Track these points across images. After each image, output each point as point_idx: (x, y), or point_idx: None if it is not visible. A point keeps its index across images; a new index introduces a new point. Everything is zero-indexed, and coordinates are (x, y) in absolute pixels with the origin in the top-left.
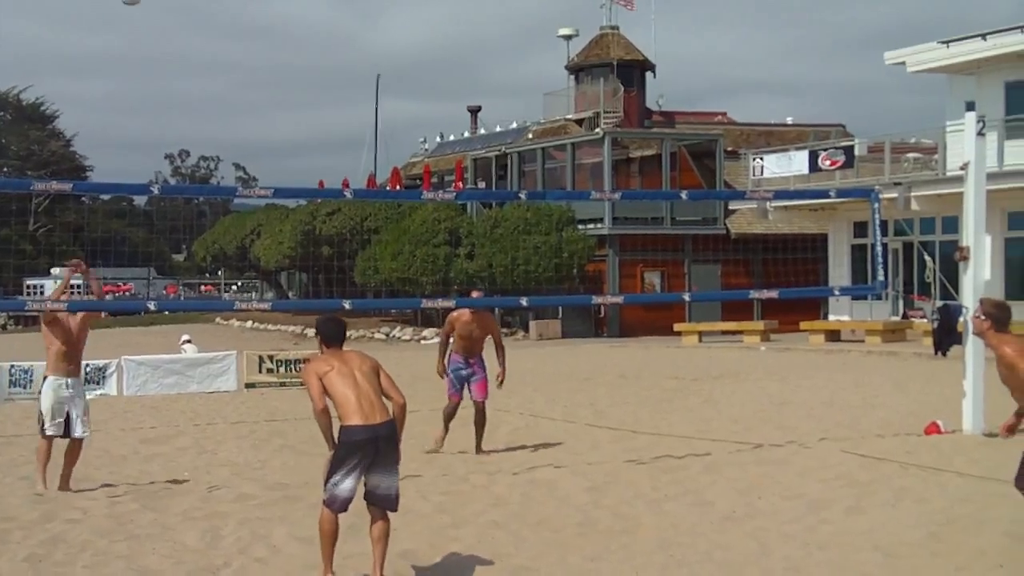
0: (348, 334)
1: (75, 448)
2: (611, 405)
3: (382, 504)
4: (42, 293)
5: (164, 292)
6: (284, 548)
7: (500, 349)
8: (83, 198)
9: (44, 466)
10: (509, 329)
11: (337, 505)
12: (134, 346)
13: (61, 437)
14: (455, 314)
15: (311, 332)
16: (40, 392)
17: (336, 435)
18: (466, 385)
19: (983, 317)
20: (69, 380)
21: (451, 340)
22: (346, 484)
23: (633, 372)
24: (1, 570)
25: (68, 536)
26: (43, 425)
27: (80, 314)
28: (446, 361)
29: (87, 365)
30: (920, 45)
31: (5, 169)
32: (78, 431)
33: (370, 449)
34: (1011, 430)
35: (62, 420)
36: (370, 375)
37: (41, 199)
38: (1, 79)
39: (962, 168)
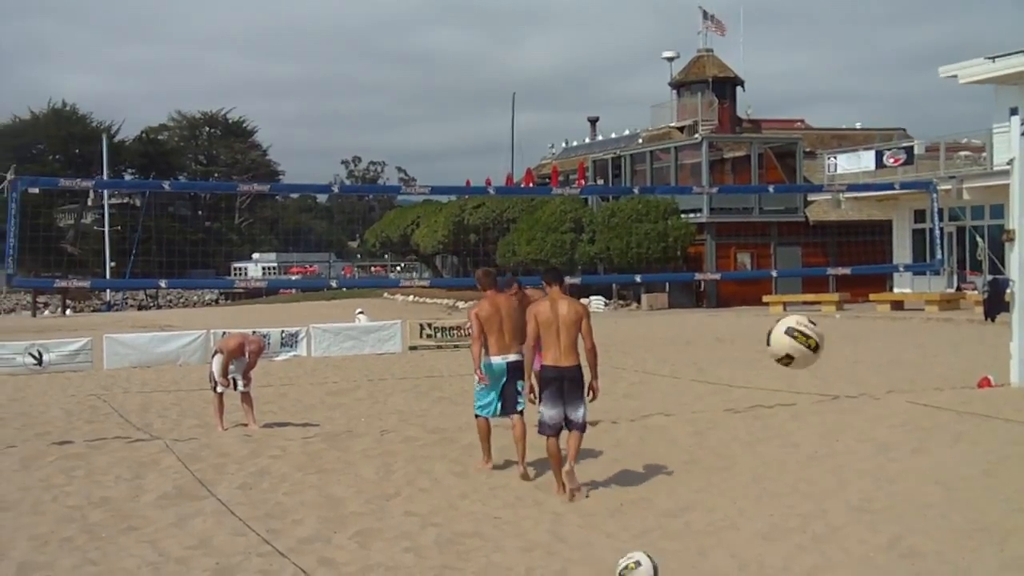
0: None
1: (246, 398)
2: (711, 364)
3: (574, 427)
4: (246, 275)
5: (342, 272)
6: (443, 480)
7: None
8: (277, 197)
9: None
10: (624, 300)
11: (545, 429)
12: (319, 316)
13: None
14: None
15: (462, 304)
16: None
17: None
18: None
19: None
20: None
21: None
22: (545, 411)
23: (728, 336)
24: (220, 495)
25: (271, 469)
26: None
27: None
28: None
29: (282, 332)
30: (969, 60)
31: (216, 174)
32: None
33: (556, 385)
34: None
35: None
36: (571, 326)
37: (244, 198)
38: (212, 102)
39: (1008, 163)
